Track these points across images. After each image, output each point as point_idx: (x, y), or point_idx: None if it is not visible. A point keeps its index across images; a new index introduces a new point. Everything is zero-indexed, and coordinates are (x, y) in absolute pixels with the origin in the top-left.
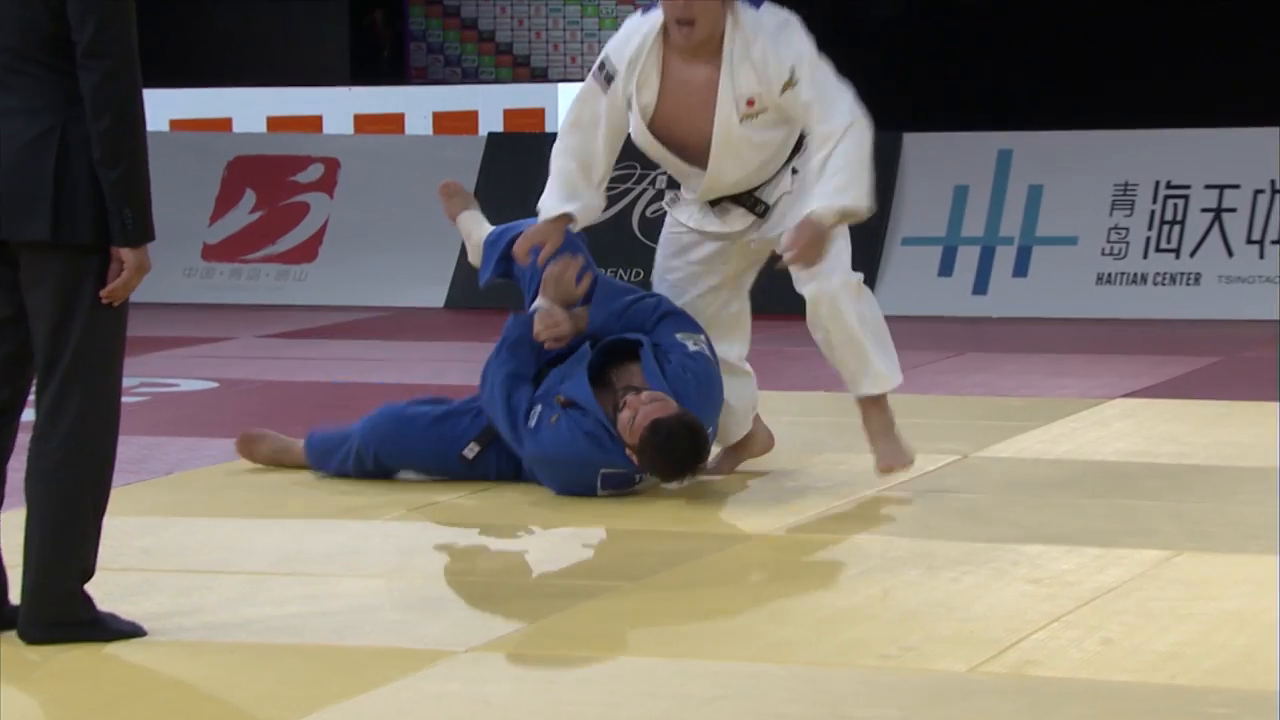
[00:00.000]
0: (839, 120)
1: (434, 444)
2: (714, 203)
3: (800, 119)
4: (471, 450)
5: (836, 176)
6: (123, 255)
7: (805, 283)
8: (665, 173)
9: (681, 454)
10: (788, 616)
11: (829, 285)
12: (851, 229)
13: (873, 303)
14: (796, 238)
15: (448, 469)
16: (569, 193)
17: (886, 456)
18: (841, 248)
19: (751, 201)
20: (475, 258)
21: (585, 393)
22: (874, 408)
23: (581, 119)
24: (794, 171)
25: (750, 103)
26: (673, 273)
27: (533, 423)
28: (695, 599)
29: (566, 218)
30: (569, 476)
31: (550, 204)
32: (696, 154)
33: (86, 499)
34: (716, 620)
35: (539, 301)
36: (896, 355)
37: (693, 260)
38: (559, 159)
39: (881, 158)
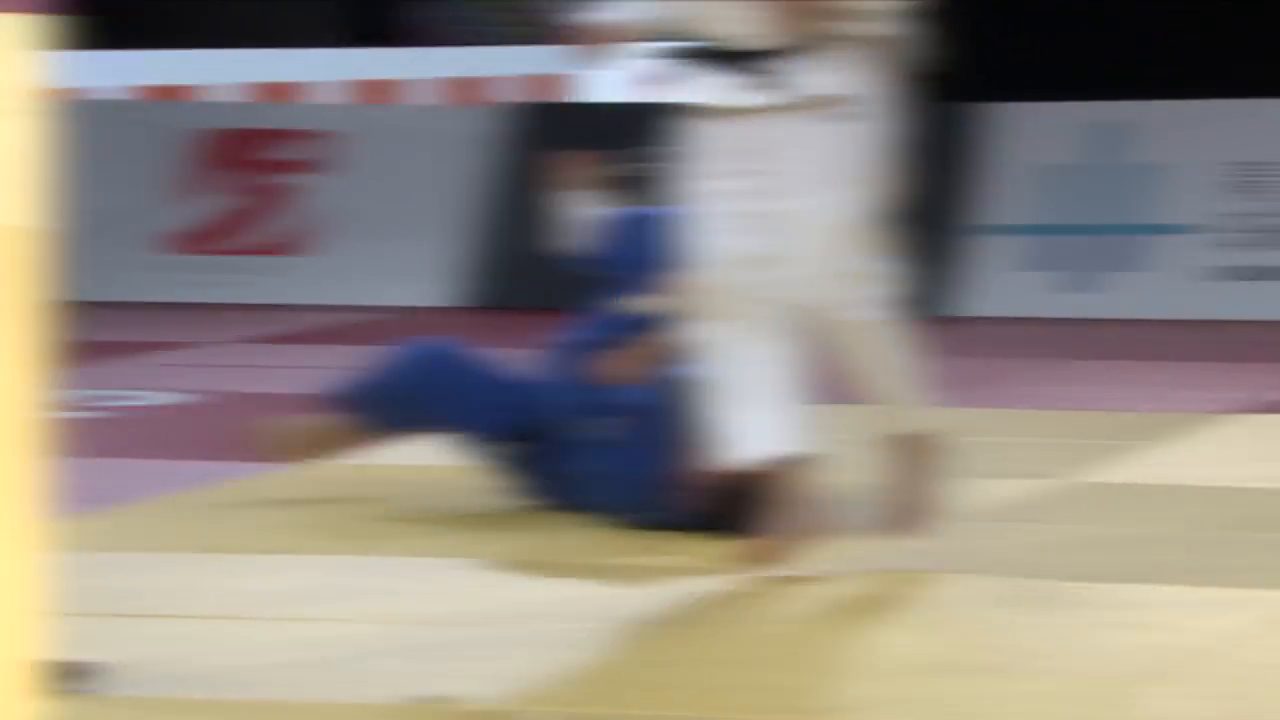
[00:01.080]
0: None
1: (488, 408)
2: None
3: None
4: (508, 450)
5: None
6: None
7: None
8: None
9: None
10: (846, 669)
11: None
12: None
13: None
14: None
15: (484, 446)
16: None
17: (906, 516)
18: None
19: (760, 67)
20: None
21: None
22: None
23: None
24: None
25: None
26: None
27: (594, 430)
28: (738, 648)
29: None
30: (615, 494)
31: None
32: None
33: None
34: (763, 673)
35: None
36: None
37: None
38: None
39: (963, 132)
